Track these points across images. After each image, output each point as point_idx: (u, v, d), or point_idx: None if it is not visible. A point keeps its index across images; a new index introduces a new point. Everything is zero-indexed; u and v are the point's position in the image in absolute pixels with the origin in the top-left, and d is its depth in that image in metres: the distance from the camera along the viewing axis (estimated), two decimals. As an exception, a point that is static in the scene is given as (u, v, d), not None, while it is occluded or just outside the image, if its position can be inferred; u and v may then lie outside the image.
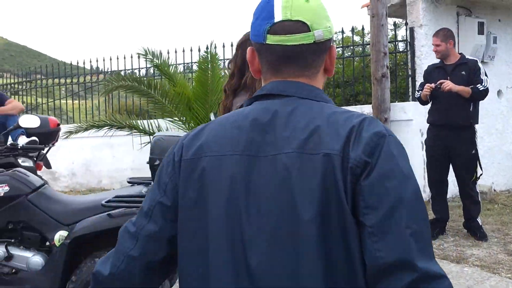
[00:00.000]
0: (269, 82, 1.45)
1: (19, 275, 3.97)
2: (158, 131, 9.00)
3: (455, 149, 6.35)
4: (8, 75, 16.83)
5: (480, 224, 6.55)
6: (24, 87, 13.41)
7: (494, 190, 8.89)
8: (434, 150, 6.48)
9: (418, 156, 7.96)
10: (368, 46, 10.21)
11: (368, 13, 9.69)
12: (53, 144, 5.80)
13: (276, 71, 1.44)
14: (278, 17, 1.38)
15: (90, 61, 12.15)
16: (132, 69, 11.51)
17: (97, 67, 12.10)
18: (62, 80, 12.98)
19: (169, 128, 9.08)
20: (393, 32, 9.91)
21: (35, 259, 3.97)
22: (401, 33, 10.41)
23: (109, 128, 9.01)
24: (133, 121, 9.21)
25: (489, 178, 8.57)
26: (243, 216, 1.31)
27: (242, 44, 3.07)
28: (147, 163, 4.01)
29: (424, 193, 7.11)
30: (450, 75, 6.25)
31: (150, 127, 9.07)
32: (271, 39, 1.39)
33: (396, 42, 9.40)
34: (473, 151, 6.38)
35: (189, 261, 1.39)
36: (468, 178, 6.42)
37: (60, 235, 3.88)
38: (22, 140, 6.08)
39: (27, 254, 4.00)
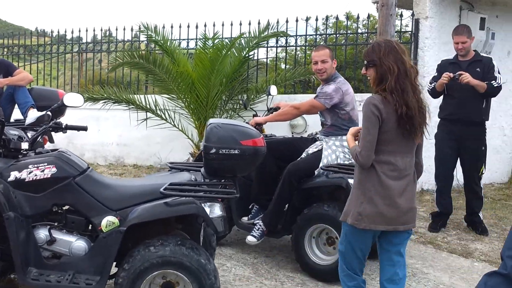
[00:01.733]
0: None
1: (61, 260, 3.85)
2: (155, 106, 8.85)
3: (466, 145, 6.45)
4: None
5: (482, 219, 6.71)
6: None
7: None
8: (445, 145, 6.56)
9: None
10: (364, 35, 10.29)
11: (372, 1, 9.70)
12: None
13: None
14: None
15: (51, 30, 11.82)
16: (121, 40, 11.23)
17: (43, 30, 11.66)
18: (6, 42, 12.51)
19: (167, 105, 8.93)
20: (400, 23, 9.93)
21: (79, 244, 3.86)
22: (402, 24, 10.43)
23: (105, 102, 8.80)
24: (130, 95, 9.02)
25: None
26: None
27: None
28: (201, 151, 3.93)
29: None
30: (465, 72, 6.31)
31: (147, 103, 8.90)
32: None
33: (401, 33, 9.42)
34: (483, 147, 6.50)
35: None
36: (475, 174, 6.56)
37: (108, 221, 3.77)
38: (32, 114, 5.90)
39: (70, 238, 3.88)
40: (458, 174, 6.92)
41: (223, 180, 3.89)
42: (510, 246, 1.81)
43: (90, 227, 3.95)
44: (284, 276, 4.98)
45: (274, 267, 5.19)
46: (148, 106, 8.88)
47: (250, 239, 5.11)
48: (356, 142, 3.55)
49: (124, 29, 10.95)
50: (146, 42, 10.47)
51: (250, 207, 5.46)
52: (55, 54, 12.02)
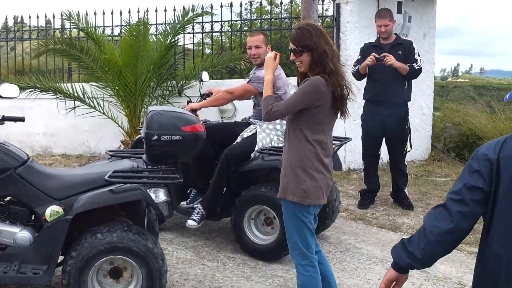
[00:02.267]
0: None
1: (6, 251, 3.84)
2: (83, 95, 8.76)
3: (390, 125, 6.75)
4: None
5: (407, 194, 7.08)
6: None
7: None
8: (371, 125, 6.86)
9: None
10: (288, 20, 10.50)
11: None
12: None
13: None
14: None
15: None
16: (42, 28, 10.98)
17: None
18: None
19: (96, 93, 8.85)
20: (322, 8, 10.18)
21: (23, 235, 3.86)
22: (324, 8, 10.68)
23: (31, 91, 8.62)
24: (57, 84, 8.88)
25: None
26: None
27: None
28: (137, 138, 4.01)
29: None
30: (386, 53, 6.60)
31: (75, 91, 8.78)
32: None
33: (323, 18, 9.67)
34: (406, 127, 6.84)
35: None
36: (399, 152, 6.90)
37: (52, 210, 3.80)
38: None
39: (14, 229, 3.87)
40: (382, 153, 7.25)
41: (165, 166, 3.98)
42: (454, 189, 2.25)
43: (33, 217, 3.96)
44: (226, 257, 5.13)
45: (214, 249, 5.33)
46: (76, 94, 8.77)
47: (190, 223, 5.22)
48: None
49: (38, 16, 10.81)
50: (61, 29, 10.31)
51: (188, 191, 5.56)
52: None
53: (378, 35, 6.89)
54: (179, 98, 8.69)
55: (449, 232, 2.23)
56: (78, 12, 8.95)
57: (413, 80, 6.91)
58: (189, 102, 5.95)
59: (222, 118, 8.45)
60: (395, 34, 6.94)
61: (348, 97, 3.60)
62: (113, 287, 3.78)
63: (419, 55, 6.71)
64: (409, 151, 7.08)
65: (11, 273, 3.70)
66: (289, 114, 3.52)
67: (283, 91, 5.30)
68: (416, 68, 6.59)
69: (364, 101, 6.97)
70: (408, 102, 6.90)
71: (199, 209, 5.26)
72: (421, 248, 2.26)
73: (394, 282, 2.37)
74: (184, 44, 9.96)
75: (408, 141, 6.94)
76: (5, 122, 4.23)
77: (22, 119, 4.31)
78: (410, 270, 2.35)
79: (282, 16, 10.90)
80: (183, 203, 5.52)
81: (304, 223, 3.55)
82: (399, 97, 6.72)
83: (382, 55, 6.48)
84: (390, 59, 6.42)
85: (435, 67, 11.06)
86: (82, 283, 3.64)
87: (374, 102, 6.80)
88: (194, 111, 5.48)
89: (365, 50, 6.88)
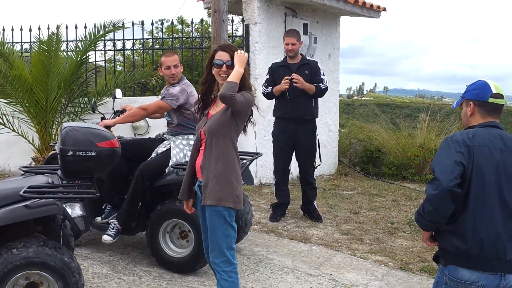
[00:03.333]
0: (486, 121, 3.08)
1: None
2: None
3: (299, 140, 7.05)
4: None
5: (316, 207, 7.38)
6: None
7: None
8: (281, 141, 7.12)
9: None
10: (198, 39, 10.69)
11: (204, 7, 10.11)
12: None
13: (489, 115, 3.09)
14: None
15: None
16: None
17: None
18: None
19: (5, 109, 8.67)
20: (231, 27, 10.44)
21: None
22: (234, 28, 10.92)
23: None
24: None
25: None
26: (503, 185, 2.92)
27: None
28: (58, 153, 4.05)
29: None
30: (295, 73, 6.89)
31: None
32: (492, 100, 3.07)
33: (233, 38, 9.92)
34: (315, 142, 7.15)
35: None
36: (309, 167, 7.20)
37: (-36, 226, 3.76)
38: None
39: None
40: (292, 168, 7.52)
41: (79, 182, 4.04)
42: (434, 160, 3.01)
43: None
44: (141, 270, 5.19)
45: (130, 263, 5.37)
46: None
47: (106, 238, 5.25)
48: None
49: None
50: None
51: (103, 207, 5.58)
52: None
53: (286, 54, 7.18)
54: (91, 115, 8.65)
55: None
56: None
57: (319, 98, 7.22)
58: (102, 118, 5.98)
59: (135, 134, 8.50)
60: (301, 54, 7.23)
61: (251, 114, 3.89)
62: (29, 303, 3.78)
63: (324, 75, 7.03)
64: (319, 165, 7.39)
65: None
66: (239, 109, 3.67)
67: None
68: (322, 88, 6.91)
69: (275, 118, 7.23)
70: (316, 119, 7.21)
71: (115, 224, 5.31)
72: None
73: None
74: (95, 61, 9.96)
75: (318, 155, 7.25)
76: None
77: None
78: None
79: (194, 35, 11.08)
80: (98, 218, 5.53)
81: (233, 228, 3.71)
82: (307, 114, 7.01)
83: (292, 75, 6.76)
84: (298, 84, 6.72)
85: (340, 86, 11.58)
86: (-3, 299, 3.63)
87: (285, 119, 7.05)
88: (108, 127, 5.53)
89: (274, 70, 7.13)
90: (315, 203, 7.38)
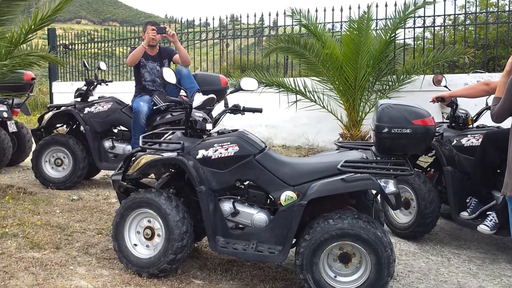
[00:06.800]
0: None
1: (245, 230, 4.19)
2: (304, 89, 9.12)
3: None
4: (85, 21, 17.94)
5: None
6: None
7: None
8: None
9: None
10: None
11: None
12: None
13: None
14: None
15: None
16: (258, 26, 11.60)
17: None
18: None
19: (316, 87, 9.17)
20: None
21: (260, 216, 4.18)
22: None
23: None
24: (280, 78, 9.37)
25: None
26: None
27: None
28: (373, 130, 4.10)
29: None
30: None
31: (297, 86, 9.18)
32: None
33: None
34: None
35: None
36: None
37: (286, 195, 4.05)
38: (199, 98, 6.31)
39: (252, 211, 4.21)
40: None
41: (393, 158, 4.04)
42: None
43: (269, 201, 4.27)
44: (450, 252, 5.09)
45: (438, 243, 5.30)
46: (297, 88, 9.15)
47: (482, 227, 4.91)
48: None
49: (255, 15, 11.51)
50: (291, 26, 10.79)
51: (467, 200, 5.24)
52: (197, 41, 12.76)
53: None
54: (397, 93, 8.68)
55: None
56: (301, 9, 9.34)
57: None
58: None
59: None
60: None
61: None
62: (342, 271, 3.91)
63: None
64: None
65: (250, 250, 4.03)
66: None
67: None
68: None
69: None
70: None
71: (493, 216, 4.95)
72: None
73: None
74: (404, 39, 9.90)
75: None
76: (230, 114, 4.62)
77: (259, 110, 4.67)
78: None
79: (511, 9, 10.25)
80: (464, 214, 5.17)
81: None
82: None
83: None
84: None
85: None
86: (314, 265, 3.84)
87: None
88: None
89: None
90: None
